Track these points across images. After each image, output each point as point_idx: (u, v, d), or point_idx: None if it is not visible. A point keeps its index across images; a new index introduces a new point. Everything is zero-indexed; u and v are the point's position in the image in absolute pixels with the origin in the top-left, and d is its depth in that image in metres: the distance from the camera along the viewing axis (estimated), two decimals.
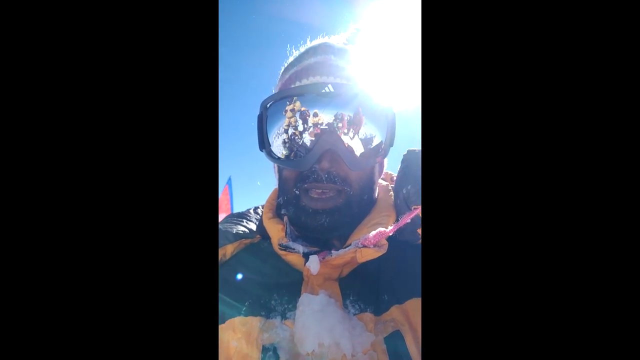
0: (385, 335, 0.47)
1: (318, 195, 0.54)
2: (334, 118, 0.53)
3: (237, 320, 0.51)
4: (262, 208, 0.67)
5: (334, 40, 0.65)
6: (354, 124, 0.54)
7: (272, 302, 0.53)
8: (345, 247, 0.51)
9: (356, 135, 0.54)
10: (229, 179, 4.09)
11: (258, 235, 0.64)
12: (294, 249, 0.53)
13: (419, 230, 0.54)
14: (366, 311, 0.50)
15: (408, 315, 0.48)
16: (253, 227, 0.65)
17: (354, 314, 0.49)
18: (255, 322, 0.51)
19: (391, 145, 0.58)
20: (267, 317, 0.51)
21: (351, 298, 0.51)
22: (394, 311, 0.49)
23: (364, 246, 0.49)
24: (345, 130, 0.53)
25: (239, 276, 0.58)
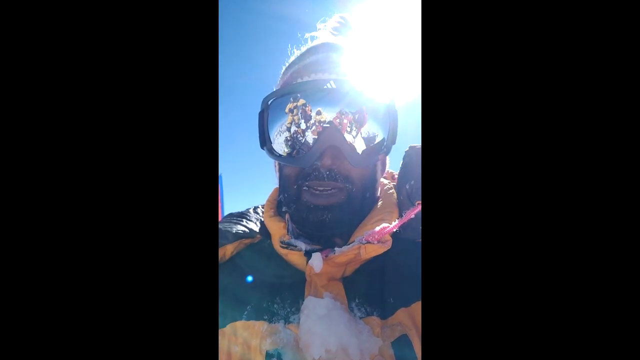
0: (392, 340, 0.46)
1: (320, 192, 0.53)
2: (336, 116, 0.51)
3: (239, 325, 0.50)
4: (262, 207, 0.65)
5: (321, 33, 0.64)
6: (357, 122, 0.53)
7: (275, 305, 0.51)
8: (348, 244, 0.50)
9: (359, 134, 0.53)
10: (220, 177, 4.02)
11: (258, 235, 0.62)
12: (295, 246, 0.52)
13: None
14: (372, 315, 0.48)
15: (415, 319, 0.47)
16: (253, 226, 0.63)
17: (360, 318, 0.48)
18: (258, 326, 0.49)
19: (393, 142, 0.57)
20: (270, 321, 0.49)
21: (357, 301, 0.50)
22: (400, 314, 0.48)
23: (368, 242, 0.48)
24: (348, 129, 0.52)
25: (249, 278, 0.56)
